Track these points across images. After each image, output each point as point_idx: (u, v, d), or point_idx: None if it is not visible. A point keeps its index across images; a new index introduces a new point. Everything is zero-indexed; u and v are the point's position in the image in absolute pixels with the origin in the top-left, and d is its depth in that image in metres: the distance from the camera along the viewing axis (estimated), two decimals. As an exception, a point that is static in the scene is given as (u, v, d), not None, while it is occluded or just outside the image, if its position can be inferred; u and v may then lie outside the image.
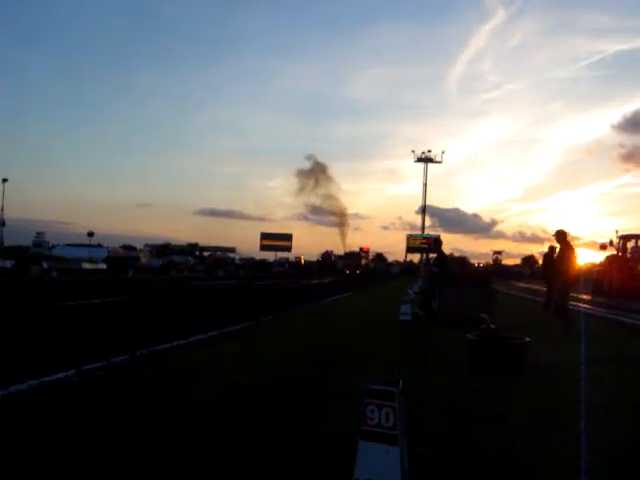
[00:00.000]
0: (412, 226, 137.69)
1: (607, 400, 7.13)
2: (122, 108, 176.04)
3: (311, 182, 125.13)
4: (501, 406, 7.06)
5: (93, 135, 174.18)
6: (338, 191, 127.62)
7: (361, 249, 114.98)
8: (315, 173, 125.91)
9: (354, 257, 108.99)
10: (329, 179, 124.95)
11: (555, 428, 6.02)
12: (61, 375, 7.97)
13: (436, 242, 22.66)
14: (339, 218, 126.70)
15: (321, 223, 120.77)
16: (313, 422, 6.10)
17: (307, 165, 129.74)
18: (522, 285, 60.35)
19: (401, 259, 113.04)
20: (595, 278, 35.61)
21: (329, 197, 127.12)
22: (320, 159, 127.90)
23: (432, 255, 57.63)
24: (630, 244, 33.97)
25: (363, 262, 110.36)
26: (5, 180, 69.46)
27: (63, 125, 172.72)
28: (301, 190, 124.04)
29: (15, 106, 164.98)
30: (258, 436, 5.53)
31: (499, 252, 76.58)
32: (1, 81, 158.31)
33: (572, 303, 25.68)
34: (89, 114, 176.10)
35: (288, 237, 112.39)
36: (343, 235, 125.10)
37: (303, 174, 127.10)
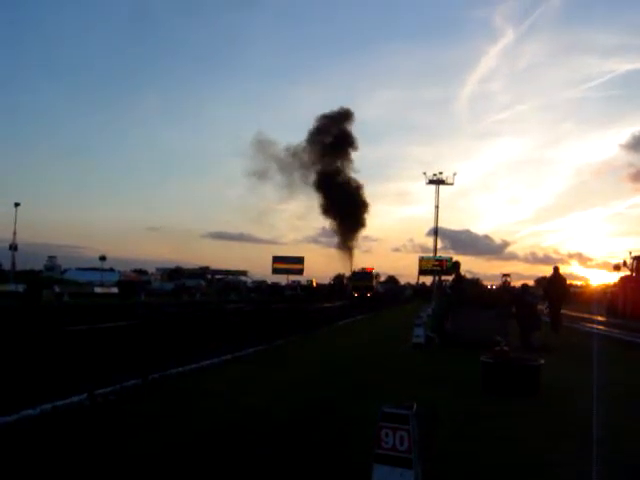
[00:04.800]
0: (423, 248, 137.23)
1: (617, 421, 7.08)
2: (131, 132, 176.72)
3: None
4: (514, 429, 7.01)
5: (103, 159, 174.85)
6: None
7: (364, 269, 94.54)
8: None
9: (365, 277, 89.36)
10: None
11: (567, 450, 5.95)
12: (75, 399, 7.95)
13: (455, 265, 22.69)
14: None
15: (331, 245, 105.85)
16: (326, 445, 6.06)
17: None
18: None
19: (413, 281, 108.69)
20: (609, 299, 35.30)
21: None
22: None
23: (445, 277, 57.73)
24: (644, 265, 33.63)
25: (374, 283, 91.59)
26: (17, 204, 69.80)
27: (74, 149, 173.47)
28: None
29: (26, 131, 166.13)
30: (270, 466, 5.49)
31: (507, 275, 76.29)
32: (11, 105, 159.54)
33: (588, 324, 25.70)
34: (99, 138, 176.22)
35: (300, 260, 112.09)
36: (349, 251, 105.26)
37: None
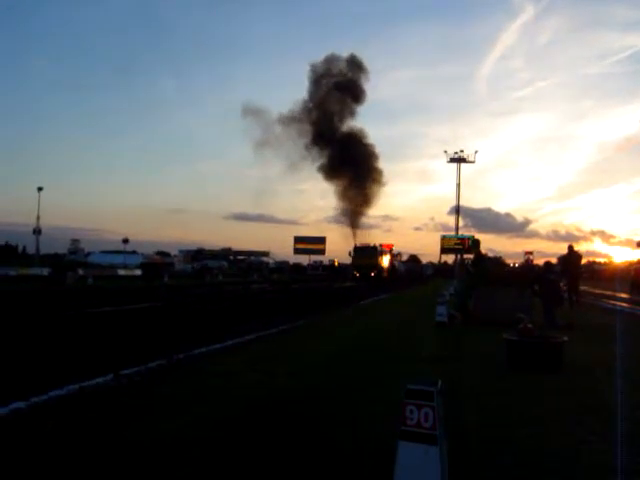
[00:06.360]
0: (444, 227, 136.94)
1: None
2: (152, 116, 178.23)
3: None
4: (537, 403, 7.02)
5: (125, 143, 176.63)
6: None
7: (380, 246, 76.99)
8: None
9: (368, 253, 72.54)
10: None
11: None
12: (100, 380, 8.05)
13: (475, 243, 22.91)
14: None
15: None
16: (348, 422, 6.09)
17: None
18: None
19: (435, 260, 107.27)
20: (632, 276, 35.11)
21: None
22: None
23: (467, 256, 57.28)
24: (668, 241, 33.38)
25: (382, 262, 73.93)
26: (40, 189, 70.39)
27: (96, 134, 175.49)
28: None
29: (49, 116, 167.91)
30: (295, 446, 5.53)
31: (530, 252, 76.06)
32: (35, 91, 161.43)
33: (611, 301, 25.54)
34: (121, 123, 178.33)
35: (321, 240, 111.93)
36: (355, 222, 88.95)
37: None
